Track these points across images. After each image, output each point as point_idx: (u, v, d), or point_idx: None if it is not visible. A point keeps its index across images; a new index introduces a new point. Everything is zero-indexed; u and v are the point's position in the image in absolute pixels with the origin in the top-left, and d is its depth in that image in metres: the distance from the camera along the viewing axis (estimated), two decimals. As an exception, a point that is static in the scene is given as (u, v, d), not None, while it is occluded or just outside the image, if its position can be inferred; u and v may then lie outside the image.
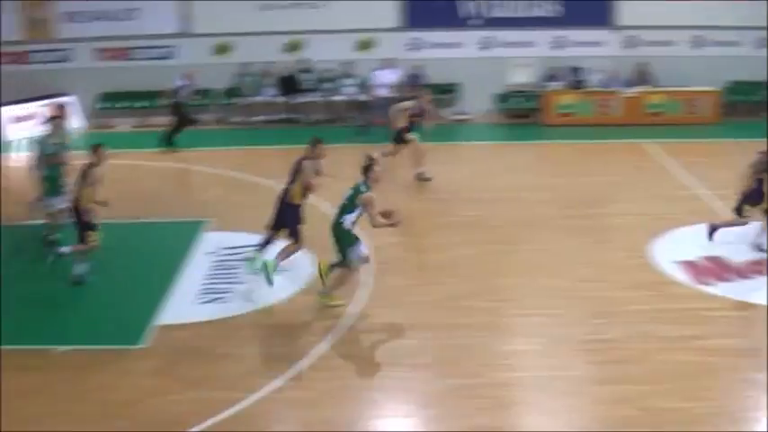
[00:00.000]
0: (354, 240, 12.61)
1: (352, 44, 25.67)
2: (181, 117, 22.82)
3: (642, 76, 24.79)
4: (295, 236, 13.44)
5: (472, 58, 25.37)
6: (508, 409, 10.20)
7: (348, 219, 12.46)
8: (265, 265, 13.23)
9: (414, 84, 23.46)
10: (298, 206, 13.50)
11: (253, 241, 14.30)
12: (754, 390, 10.59)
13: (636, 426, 9.78)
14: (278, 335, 12.20)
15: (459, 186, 18.74)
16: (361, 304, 12.86)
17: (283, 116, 25.64)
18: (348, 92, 25.34)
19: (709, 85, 24.54)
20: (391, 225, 12.55)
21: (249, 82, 25.66)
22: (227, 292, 13.49)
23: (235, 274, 14.14)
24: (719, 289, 13.40)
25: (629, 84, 24.68)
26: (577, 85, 24.87)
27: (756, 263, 14.29)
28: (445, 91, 25.41)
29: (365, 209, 12.31)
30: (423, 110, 19.20)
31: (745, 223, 15.03)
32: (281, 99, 25.53)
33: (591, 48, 25.30)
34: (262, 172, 19.32)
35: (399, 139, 19.10)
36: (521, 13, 25.48)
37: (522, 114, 24.87)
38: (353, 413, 10.17)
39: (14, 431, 9.81)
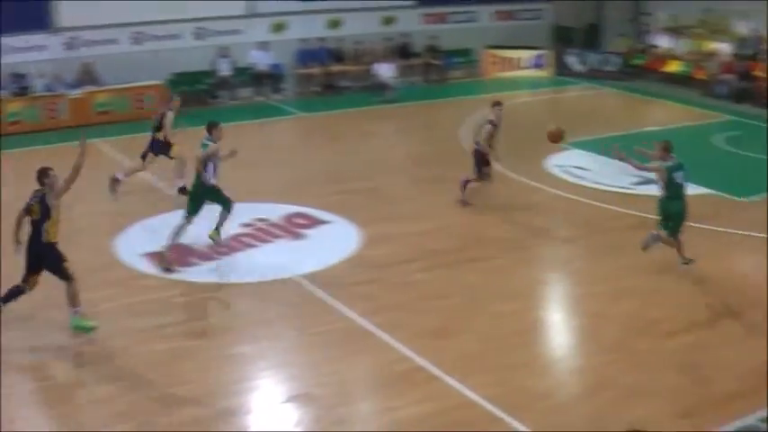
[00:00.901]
0: (219, 188, 14.04)
1: None
2: None
3: (88, 77, 24.60)
4: (65, 274, 11.75)
5: None
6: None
7: (207, 175, 13.76)
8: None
9: None
10: (55, 244, 11.72)
11: None
12: (233, 365, 11.09)
13: (126, 420, 9.80)
14: None
15: None
16: None
17: None
18: None
19: (154, 78, 24.92)
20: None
21: None
22: None
23: None
24: (186, 274, 13.80)
25: (75, 85, 24.36)
26: (22, 91, 24.05)
27: (217, 245, 14.85)
28: None
29: (215, 158, 13.78)
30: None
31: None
32: None
33: (32, 52, 24.54)
34: None
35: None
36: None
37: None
38: None
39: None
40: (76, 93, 24.10)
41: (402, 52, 28.98)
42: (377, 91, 26.85)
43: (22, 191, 12.14)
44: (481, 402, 10.16)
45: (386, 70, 27.03)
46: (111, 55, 24.85)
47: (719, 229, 15.93)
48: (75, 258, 14.05)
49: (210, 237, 14.32)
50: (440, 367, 10.90)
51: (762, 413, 9.95)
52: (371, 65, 27.54)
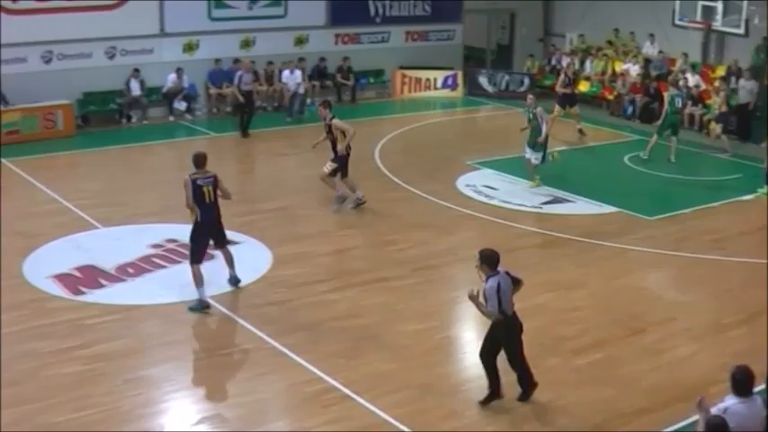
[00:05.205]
0: None
1: None
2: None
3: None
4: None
5: None
6: None
7: None
8: None
9: None
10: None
11: None
12: (142, 387, 11.00)
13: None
14: None
15: None
16: None
17: None
18: None
19: (63, 98, 24.56)
20: None
21: None
22: None
23: None
24: (95, 296, 13.64)
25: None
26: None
27: (127, 265, 14.72)
28: None
29: None
30: None
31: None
32: None
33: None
34: None
35: None
36: None
37: None
38: None
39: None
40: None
41: (316, 72, 28.98)
42: (288, 109, 26.85)
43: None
44: (392, 422, 10.25)
45: (294, 78, 27.00)
46: (20, 74, 24.38)
47: (629, 246, 16.28)
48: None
49: None
50: (351, 387, 10.95)
51: (669, 429, 10.20)
52: (281, 73, 27.49)
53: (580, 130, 25.19)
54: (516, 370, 10.67)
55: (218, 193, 13.42)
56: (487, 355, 10.63)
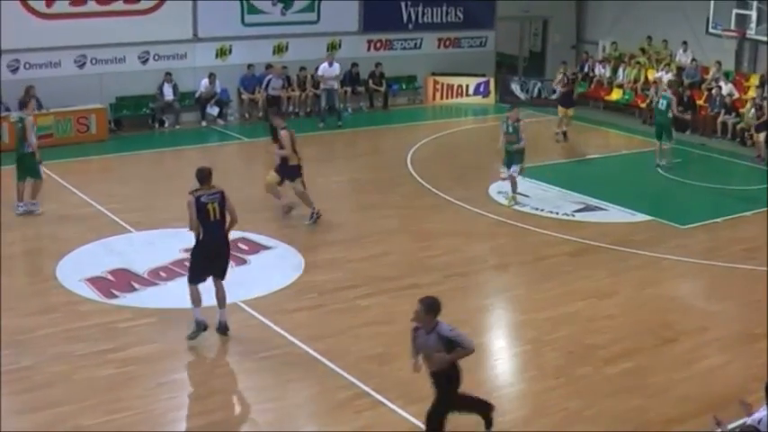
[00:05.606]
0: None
1: None
2: None
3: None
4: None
5: None
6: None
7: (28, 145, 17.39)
8: None
9: None
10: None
11: None
12: (175, 391, 11.08)
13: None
14: None
15: None
16: None
17: None
18: None
19: (97, 102, 24.75)
20: None
21: None
22: None
23: None
24: (128, 299, 13.73)
25: (17, 108, 23.95)
26: (-40, 113, 23.61)
27: (160, 269, 14.79)
28: None
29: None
30: None
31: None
32: None
33: (-28, 74, 24.18)
34: None
35: None
36: None
37: None
38: None
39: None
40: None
41: (348, 78, 29.04)
42: (321, 114, 26.94)
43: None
44: (424, 429, 10.20)
45: (333, 71, 26.98)
46: (53, 78, 24.57)
47: (661, 255, 16.18)
48: (15, 282, 14.10)
49: None
50: (382, 394, 10.94)
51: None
52: (318, 67, 27.48)
53: (564, 133, 25.09)
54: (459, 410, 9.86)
55: (226, 211, 12.44)
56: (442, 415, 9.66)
